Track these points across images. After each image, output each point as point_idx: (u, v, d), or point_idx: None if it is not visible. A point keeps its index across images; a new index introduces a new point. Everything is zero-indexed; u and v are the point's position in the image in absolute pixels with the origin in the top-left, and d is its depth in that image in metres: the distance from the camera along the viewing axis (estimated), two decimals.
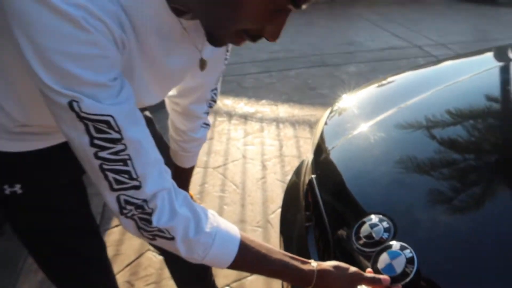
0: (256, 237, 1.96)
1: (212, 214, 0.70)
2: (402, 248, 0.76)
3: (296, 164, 2.44)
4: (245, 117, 3.19)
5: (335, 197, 1.07)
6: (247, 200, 2.22)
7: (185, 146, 1.04)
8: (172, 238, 0.63)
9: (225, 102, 3.47)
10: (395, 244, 0.78)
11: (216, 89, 0.99)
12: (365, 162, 1.10)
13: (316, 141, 1.33)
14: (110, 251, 1.85)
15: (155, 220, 0.61)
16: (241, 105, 3.40)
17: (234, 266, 0.68)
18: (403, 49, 4.57)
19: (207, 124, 1.05)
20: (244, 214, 2.12)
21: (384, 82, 1.50)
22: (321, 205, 1.04)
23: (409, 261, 0.74)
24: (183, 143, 1.04)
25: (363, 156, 1.12)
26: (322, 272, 0.70)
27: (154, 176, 0.61)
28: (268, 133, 2.93)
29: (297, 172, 1.50)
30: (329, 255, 0.94)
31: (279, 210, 2.08)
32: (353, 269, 0.71)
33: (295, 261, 0.70)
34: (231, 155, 2.68)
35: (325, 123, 1.37)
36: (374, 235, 0.84)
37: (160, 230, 0.62)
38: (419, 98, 1.24)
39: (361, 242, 0.85)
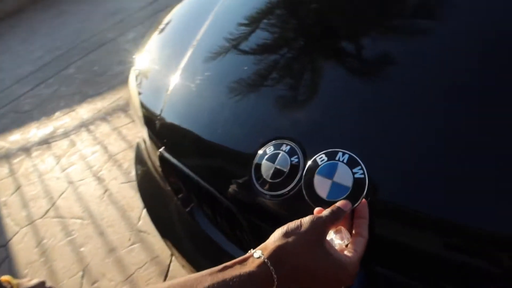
0: (136, 256, 1.59)
1: None
2: (331, 156, 0.55)
3: (132, 155, 2.08)
4: (46, 142, 2.57)
5: (203, 158, 0.79)
6: (103, 225, 1.79)
7: None
8: None
9: (11, 140, 2.75)
10: (320, 157, 0.55)
11: None
12: (204, 107, 0.85)
13: (140, 114, 1.02)
14: None
15: None
16: (33, 132, 2.74)
17: None
18: None
19: None
20: (109, 242, 1.70)
21: (162, 26, 1.24)
22: (193, 176, 0.75)
23: (351, 164, 0.53)
24: None
25: (198, 102, 0.88)
26: (275, 256, 0.44)
27: None
28: (82, 143, 2.42)
29: (139, 159, 1.17)
30: (242, 229, 0.68)
31: (145, 212, 1.74)
32: (306, 220, 0.48)
33: (232, 270, 0.44)
34: (54, 190, 2.12)
35: (139, 93, 1.07)
36: (281, 167, 0.60)
37: None
38: (207, 26, 1.06)
39: (267, 187, 0.61)
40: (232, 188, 0.67)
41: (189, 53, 1.00)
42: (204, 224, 0.83)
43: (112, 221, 1.79)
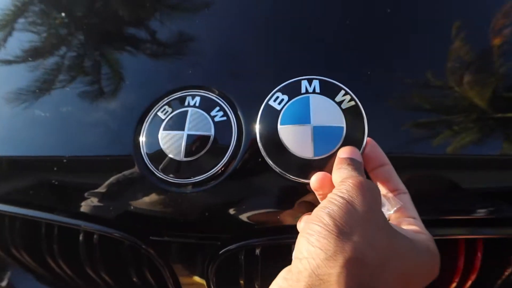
0: None
1: None
2: (292, 91, 0.33)
3: None
4: None
5: (26, 183, 0.45)
6: None
7: None
8: None
9: None
10: (275, 98, 0.33)
11: None
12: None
13: None
14: None
15: None
16: None
17: None
18: None
19: None
20: None
21: None
22: (24, 213, 0.41)
23: (328, 92, 0.32)
24: None
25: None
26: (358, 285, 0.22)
27: None
28: None
29: None
30: (146, 267, 0.39)
31: None
32: (351, 192, 0.25)
33: None
34: None
35: None
36: (198, 132, 0.35)
37: None
38: None
39: (180, 172, 0.37)
40: (98, 205, 0.37)
41: None
42: None
43: None
